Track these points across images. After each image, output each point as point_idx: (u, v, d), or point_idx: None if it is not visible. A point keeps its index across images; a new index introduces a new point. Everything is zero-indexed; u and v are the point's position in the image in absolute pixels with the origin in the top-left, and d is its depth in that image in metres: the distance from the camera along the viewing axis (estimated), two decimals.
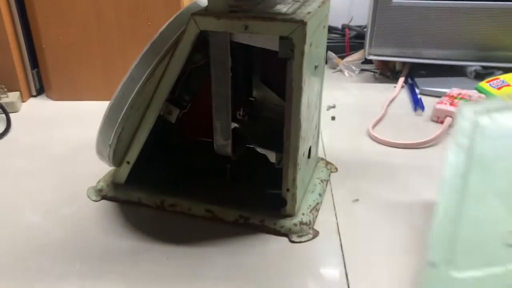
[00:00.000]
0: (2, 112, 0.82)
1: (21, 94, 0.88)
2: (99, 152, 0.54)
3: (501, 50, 0.93)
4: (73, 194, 0.60)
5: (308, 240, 0.52)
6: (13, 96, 0.86)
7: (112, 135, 0.50)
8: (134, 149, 0.55)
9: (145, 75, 0.48)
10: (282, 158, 0.51)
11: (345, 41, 1.09)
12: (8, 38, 0.84)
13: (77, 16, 0.82)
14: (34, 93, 0.92)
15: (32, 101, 0.91)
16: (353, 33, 1.12)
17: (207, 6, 0.47)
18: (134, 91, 0.49)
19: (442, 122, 0.80)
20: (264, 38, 0.47)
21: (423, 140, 0.74)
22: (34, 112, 0.86)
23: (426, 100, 0.89)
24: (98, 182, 0.60)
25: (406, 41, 0.94)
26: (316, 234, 0.53)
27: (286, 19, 0.44)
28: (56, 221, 0.56)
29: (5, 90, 0.85)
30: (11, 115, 0.82)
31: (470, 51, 0.94)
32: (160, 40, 0.49)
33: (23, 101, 0.90)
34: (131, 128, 0.53)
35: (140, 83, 0.49)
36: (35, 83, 0.91)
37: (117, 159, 0.55)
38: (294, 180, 0.52)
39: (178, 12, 0.50)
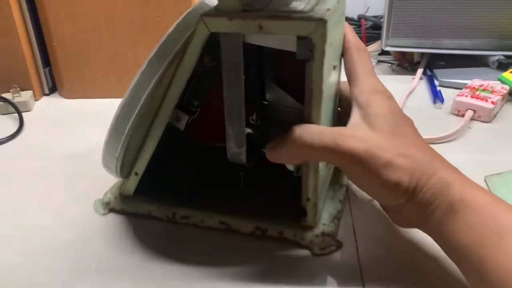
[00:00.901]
0: (15, 112, 0.81)
1: (34, 93, 0.87)
2: (106, 165, 0.51)
3: None
4: (83, 199, 0.58)
5: (331, 252, 0.49)
6: (26, 95, 0.84)
7: (120, 147, 0.47)
8: (143, 159, 0.52)
9: (153, 81, 0.45)
10: (301, 165, 0.48)
11: (361, 32, 1.05)
12: (20, 36, 0.82)
13: (86, 12, 0.80)
14: (47, 91, 0.91)
15: (45, 100, 0.90)
16: (369, 23, 1.07)
17: (217, 5, 0.44)
18: (142, 99, 0.45)
19: (463, 115, 0.76)
20: (279, 39, 0.43)
21: (443, 134, 0.70)
22: (46, 111, 0.85)
23: (446, 92, 0.84)
24: (106, 194, 0.57)
25: (425, 31, 0.90)
26: (339, 245, 0.50)
27: (304, 17, 0.40)
28: (61, 231, 0.53)
29: (18, 89, 0.84)
30: (24, 114, 0.81)
31: (492, 40, 0.89)
32: (167, 43, 0.45)
33: (36, 100, 0.88)
34: (139, 137, 0.50)
35: (148, 90, 0.45)
36: (47, 81, 0.90)
37: (125, 171, 0.52)
38: (315, 188, 0.48)
39: (186, 13, 0.47)
